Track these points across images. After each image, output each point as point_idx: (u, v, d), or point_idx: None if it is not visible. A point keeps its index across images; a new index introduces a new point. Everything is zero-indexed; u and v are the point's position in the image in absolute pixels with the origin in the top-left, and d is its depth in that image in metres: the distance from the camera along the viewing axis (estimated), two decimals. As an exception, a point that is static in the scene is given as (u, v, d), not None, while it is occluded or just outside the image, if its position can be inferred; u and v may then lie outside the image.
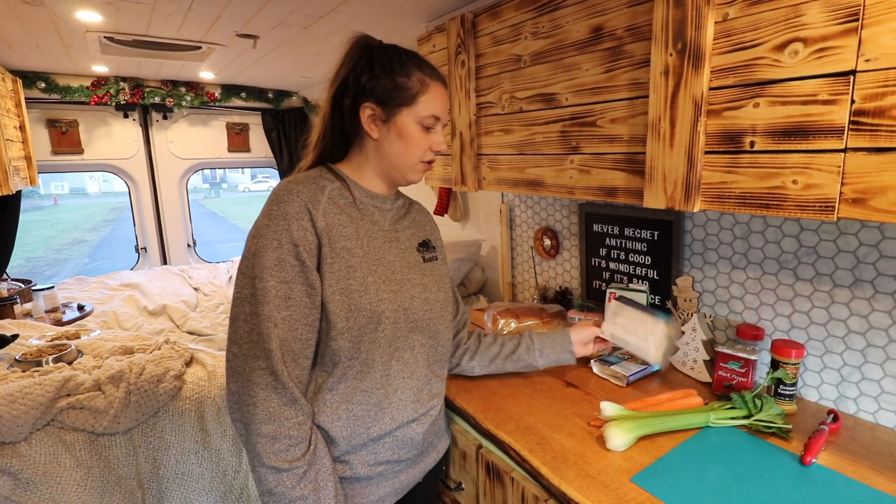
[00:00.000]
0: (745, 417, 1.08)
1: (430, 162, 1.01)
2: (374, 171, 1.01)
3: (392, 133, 0.95)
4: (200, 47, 2.46)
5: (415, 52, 0.98)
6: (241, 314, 0.86)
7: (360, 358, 0.93)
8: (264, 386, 0.84)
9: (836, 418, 1.09)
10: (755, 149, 0.85)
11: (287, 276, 0.86)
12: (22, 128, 2.74)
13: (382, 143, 0.97)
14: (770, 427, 1.05)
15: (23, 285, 2.77)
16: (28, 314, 2.49)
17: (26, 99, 2.90)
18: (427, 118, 0.95)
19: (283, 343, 0.85)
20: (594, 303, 1.75)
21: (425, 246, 1.08)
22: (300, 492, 0.85)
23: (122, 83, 3.28)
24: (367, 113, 0.94)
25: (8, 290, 2.64)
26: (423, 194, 2.71)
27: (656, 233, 1.51)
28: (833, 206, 0.76)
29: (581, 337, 1.26)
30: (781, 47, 0.80)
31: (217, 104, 3.66)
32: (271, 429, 0.84)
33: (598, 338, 1.28)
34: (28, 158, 2.80)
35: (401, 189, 1.12)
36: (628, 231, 1.60)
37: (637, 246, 1.58)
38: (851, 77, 0.73)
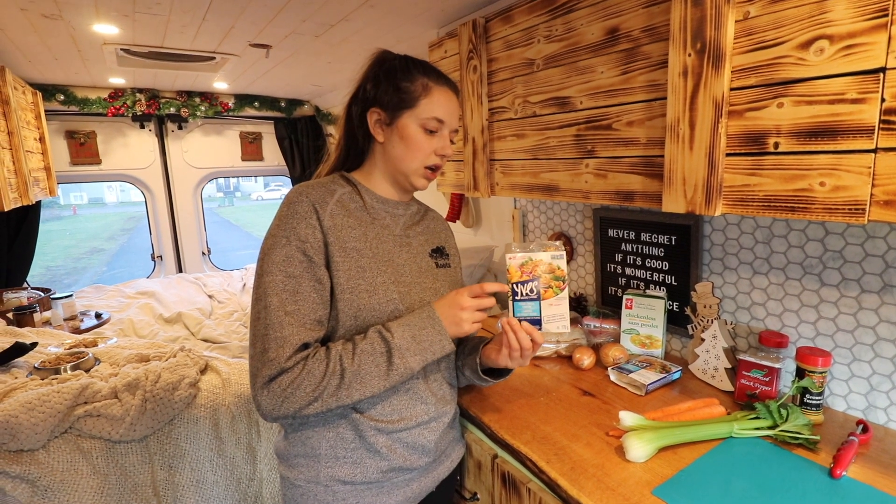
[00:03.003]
0: (770, 428, 1.05)
1: (435, 168, 1.01)
2: (383, 176, 1.03)
3: (395, 135, 0.97)
4: (214, 58, 2.49)
5: (425, 62, 1.00)
6: (254, 313, 0.88)
7: None
8: (279, 372, 0.84)
9: (865, 429, 1.05)
10: (779, 150, 0.83)
11: (294, 270, 0.87)
12: (42, 139, 2.79)
13: (387, 147, 0.99)
14: (797, 438, 1.02)
15: (42, 294, 2.81)
16: (47, 322, 2.52)
17: (46, 111, 2.97)
18: (429, 120, 0.96)
19: (297, 330, 0.85)
20: (610, 309, 1.72)
21: (439, 252, 1.08)
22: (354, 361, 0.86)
23: (138, 94, 3.33)
24: (373, 118, 0.98)
25: (28, 298, 2.68)
26: (435, 200, 2.70)
27: (674, 237, 1.48)
28: (863, 209, 0.73)
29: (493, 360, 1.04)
30: (806, 45, 0.78)
31: (230, 114, 3.71)
32: (308, 390, 0.84)
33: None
34: (48, 169, 2.85)
35: (416, 196, 1.12)
36: (645, 236, 1.57)
37: (654, 251, 1.55)
38: (881, 74, 0.70)
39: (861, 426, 1.06)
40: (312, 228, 0.89)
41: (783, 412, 1.05)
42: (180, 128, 3.67)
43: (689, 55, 0.92)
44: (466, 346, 1.15)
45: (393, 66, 0.97)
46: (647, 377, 1.29)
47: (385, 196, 1.03)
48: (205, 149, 3.82)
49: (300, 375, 0.84)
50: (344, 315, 0.91)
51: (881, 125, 0.71)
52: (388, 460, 0.96)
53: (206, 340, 2.61)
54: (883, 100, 0.70)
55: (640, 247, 1.60)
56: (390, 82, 0.96)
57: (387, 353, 0.87)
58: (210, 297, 3.27)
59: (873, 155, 0.72)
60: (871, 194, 0.73)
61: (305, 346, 0.87)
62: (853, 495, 0.87)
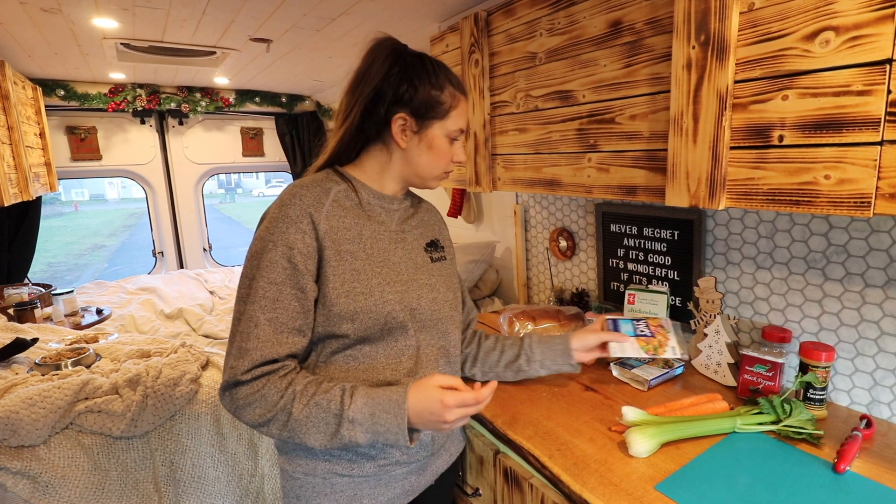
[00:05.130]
0: (773, 423, 1.05)
1: (449, 172, 1.04)
2: (393, 177, 1.00)
3: (422, 144, 0.96)
4: (215, 52, 2.48)
5: (443, 63, 0.98)
6: (235, 314, 0.88)
7: (366, 360, 0.93)
8: (235, 384, 0.85)
9: (869, 424, 1.04)
10: (784, 143, 0.82)
11: (277, 277, 0.86)
12: (42, 135, 2.79)
13: (410, 153, 0.97)
14: (800, 433, 1.01)
15: (43, 290, 2.81)
16: (48, 318, 2.52)
17: (46, 106, 2.96)
18: (455, 132, 0.97)
19: (263, 344, 0.84)
20: (612, 304, 1.72)
21: (433, 246, 1.07)
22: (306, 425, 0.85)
23: (138, 90, 3.33)
24: (398, 123, 0.93)
25: (29, 294, 2.68)
26: (437, 196, 2.69)
27: (676, 232, 1.47)
28: (869, 202, 0.73)
29: (584, 343, 1.18)
30: (811, 37, 0.77)
31: (231, 109, 3.70)
32: (258, 412, 0.84)
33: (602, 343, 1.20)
34: (48, 165, 2.85)
35: (411, 188, 1.11)
36: (647, 231, 1.56)
37: (656, 246, 1.55)
38: (888, 66, 0.69)
39: (865, 421, 1.05)
40: (303, 234, 0.87)
41: (786, 407, 1.05)
42: (181, 123, 3.66)
43: (693, 48, 0.91)
44: (505, 351, 1.20)
45: (425, 69, 0.93)
46: (650, 372, 1.28)
47: (382, 192, 1.00)
48: (206, 144, 3.81)
49: (254, 395, 0.84)
50: (339, 318, 0.89)
51: (887, 117, 0.70)
52: (385, 455, 0.95)
53: (207, 336, 2.61)
54: (889, 91, 0.69)
55: (642, 241, 1.59)
56: (425, 89, 0.92)
57: (338, 418, 0.83)
58: (211, 293, 3.27)
59: (879, 147, 0.71)
60: (877, 187, 0.72)
61: (275, 360, 0.86)
62: (857, 490, 0.86)
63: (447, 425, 0.86)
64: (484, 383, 0.89)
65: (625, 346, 1.18)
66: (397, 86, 0.92)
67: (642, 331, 1.21)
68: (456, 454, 1.13)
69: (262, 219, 0.92)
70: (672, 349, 1.18)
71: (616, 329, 1.22)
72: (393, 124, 0.93)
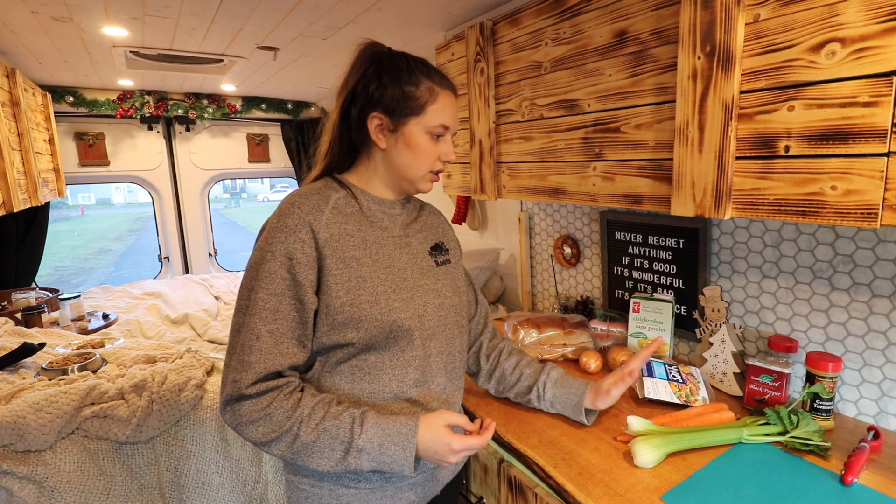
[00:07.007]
0: (780, 434, 1.04)
1: (439, 171, 1.00)
2: (383, 181, 0.99)
3: (400, 143, 0.94)
4: (222, 60, 2.50)
5: (424, 60, 0.96)
6: (234, 325, 0.87)
7: (372, 371, 0.92)
8: (238, 397, 0.85)
9: (877, 435, 1.04)
10: (790, 153, 0.82)
11: (277, 288, 0.85)
12: (51, 141, 2.82)
13: (390, 153, 0.95)
14: (807, 444, 1.01)
15: (50, 294, 2.83)
16: (55, 322, 2.54)
17: (55, 113, 2.99)
18: (436, 127, 0.94)
19: (266, 357, 0.84)
20: (616, 312, 1.71)
21: (438, 249, 1.05)
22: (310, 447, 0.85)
23: (146, 96, 3.36)
24: (374, 123, 0.93)
25: (36, 298, 2.70)
26: (442, 202, 2.70)
27: (682, 241, 1.47)
28: (876, 213, 0.73)
29: (602, 401, 1.11)
30: (817, 48, 0.77)
31: (238, 116, 3.72)
32: (262, 431, 0.84)
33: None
34: (57, 170, 2.87)
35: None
36: (652, 239, 1.56)
37: (662, 254, 1.54)
38: (894, 78, 0.69)
39: (872, 432, 1.04)
40: (302, 244, 0.86)
41: (793, 418, 1.04)
42: (188, 129, 3.69)
43: (699, 58, 0.92)
44: (520, 381, 1.19)
45: (397, 65, 0.92)
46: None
47: (381, 197, 1.00)
48: (212, 150, 3.84)
49: (259, 413, 0.84)
50: (344, 326, 0.88)
51: (894, 129, 0.70)
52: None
53: (212, 342, 2.62)
54: (896, 103, 0.70)
55: (647, 250, 1.59)
56: (396, 86, 0.90)
57: (347, 445, 0.85)
58: (216, 298, 3.28)
59: (886, 159, 0.71)
60: (884, 198, 0.72)
61: (278, 374, 0.86)
62: (865, 502, 0.86)
63: (448, 464, 0.90)
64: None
65: (658, 387, 1.21)
66: (367, 85, 0.92)
67: (674, 376, 1.27)
68: (462, 463, 1.13)
69: (262, 230, 0.91)
70: (703, 399, 1.21)
71: (649, 370, 1.27)
72: (369, 125, 0.93)
